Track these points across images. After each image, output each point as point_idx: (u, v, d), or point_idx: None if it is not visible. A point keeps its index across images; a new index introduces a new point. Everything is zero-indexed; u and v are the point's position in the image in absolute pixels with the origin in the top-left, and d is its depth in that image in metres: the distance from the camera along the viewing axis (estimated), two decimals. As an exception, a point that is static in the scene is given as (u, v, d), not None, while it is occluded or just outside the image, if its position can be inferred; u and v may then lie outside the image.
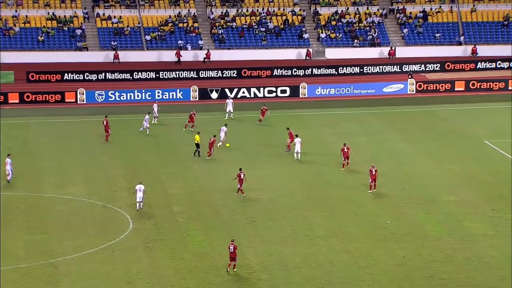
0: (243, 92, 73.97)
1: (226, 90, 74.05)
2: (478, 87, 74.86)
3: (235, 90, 74.03)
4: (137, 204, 45.64)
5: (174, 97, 73.26)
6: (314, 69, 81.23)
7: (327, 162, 54.49)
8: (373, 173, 48.31)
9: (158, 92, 73.26)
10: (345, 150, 52.52)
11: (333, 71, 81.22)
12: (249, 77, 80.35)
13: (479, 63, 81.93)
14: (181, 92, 73.68)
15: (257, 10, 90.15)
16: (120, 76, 79.05)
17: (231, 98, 69.09)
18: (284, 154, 56.64)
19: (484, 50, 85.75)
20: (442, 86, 75.40)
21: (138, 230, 43.31)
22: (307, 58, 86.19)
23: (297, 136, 54.85)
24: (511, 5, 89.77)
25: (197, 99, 72.97)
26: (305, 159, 55.34)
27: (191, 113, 62.99)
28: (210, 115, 67.72)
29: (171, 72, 79.67)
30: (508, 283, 36.98)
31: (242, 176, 48.05)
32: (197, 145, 55.34)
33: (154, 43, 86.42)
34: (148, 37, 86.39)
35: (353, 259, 39.71)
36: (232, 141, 59.01)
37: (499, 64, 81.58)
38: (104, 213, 45.71)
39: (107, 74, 78.87)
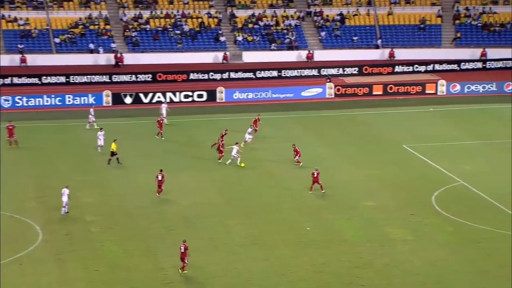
0: (158, 97, 73.50)
1: (141, 94, 73.52)
2: (396, 91, 76.31)
3: (150, 94, 73.54)
4: (63, 208, 45.54)
5: (86, 102, 72.29)
6: (231, 72, 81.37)
7: (245, 168, 54.64)
8: (315, 175, 49.13)
9: (69, 97, 72.19)
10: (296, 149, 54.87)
11: (250, 75, 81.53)
12: (165, 81, 79.95)
13: (397, 67, 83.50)
14: (93, 97, 72.77)
15: (172, 13, 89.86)
16: (28, 80, 77.55)
17: (166, 103, 68.27)
18: (203, 161, 56.55)
19: (401, 54, 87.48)
20: (360, 90, 76.58)
21: (48, 241, 42.56)
22: (224, 61, 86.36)
23: (236, 143, 55.00)
24: (427, 8, 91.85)
25: (110, 104, 72.21)
26: (223, 166, 55.37)
27: (159, 119, 61.86)
28: (125, 121, 67.08)
29: (82, 77, 78.64)
30: (428, 288, 37.81)
31: (160, 177, 48.36)
32: (113, 153, 54.76)
33: (64, 46, 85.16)
34: (57, 40, 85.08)
35: (273, 267, 39.93)
36: (150, 148, 58.53)
37: (416, 67, 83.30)
38: (11, 224, 44.75)
39: (14, 78, 77.28)
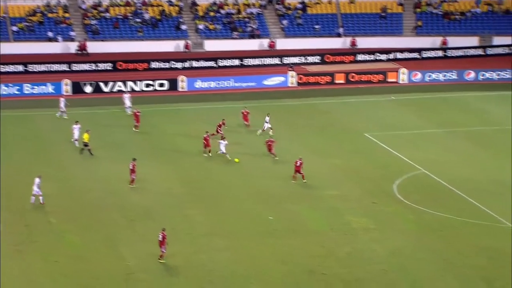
0: (119, 86, 73.05)
1: (101, 83, 72.98)
2: (357, 79, 76.65)
3: (111, 83, 73.03)
4: (32, 197, 45.52)
5: (45, 91, 71.60)
6: (193, 61, 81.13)
7: (207, 158, 54.55)
8: (298, 164, 49.29)
9: (27, 86, 71.43)
10: (269, 143, 54.68)
11: (212, 63, 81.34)
12: (125, 70, 79.45)
13: (359, 55, 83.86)
14: (52, 86, 72.09)
15: (132, 0, 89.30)
16: (-14, 69, 76.65)
17: (128, 92, 67.62)
18: (164, 151, 56.38)
19: (363, 42, 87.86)
20: (322, 78, 76.79)
21: (7, 233, 42.13)
22: (186, 50, 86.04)
23: (223, 138, 54.59)
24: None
25: (70, 93, 71.57)
26: (185, 155, 55.26)
27: (135, 111, 61.14)
28: (86, 110, 66.55)
29: (40, 65, 77.81)
30: (389, 276, 38.08)
31: (131, 166, 48.71)
32: (85, 144, 54.35)
33: (21, 35, 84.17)
34: (15, 28, 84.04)
35: (235, 257, 39.97)
36: (111, 137, 58.14)
37: (378, 56, 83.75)
38: (-30, 216, 44.25)
39: (-31, 67, 76.38)
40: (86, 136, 54.52)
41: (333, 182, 50.17)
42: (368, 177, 51.04)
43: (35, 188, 45.88)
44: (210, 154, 54.22)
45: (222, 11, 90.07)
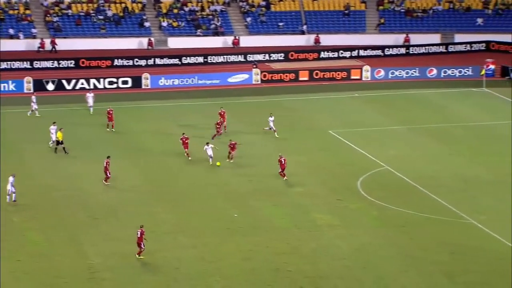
0: (82, 84, 72.68)
1: (64, 81, 72.55)
2: (321, 76, 77.01)
3: (73, 81, 72.63)
4: (7, 196, 45.45)
5: (7, 89, 70.98)
6: (156, 59, 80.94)
7: (171, 156, 54.50)
8: (283, 162, 49.08)
9: (-11, 84, 70.85)
10: (231, 145, 53.42)
11: (176, 61, 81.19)
12: (88, 67, 79.03)
13: (322, 53, 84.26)
14: (13, 84, 71.49)
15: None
16: None
17: (91, 91, 67.01)
18: (129, 149, 56.22)
19: (327, 39, 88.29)
20: (286, 76, 77.05)
21: (-30, 232, 41.79)
22: (149, 47, 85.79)
23: (207, 143, 52.98)
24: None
25: (32, 91, 70.98)
26: (150, 153, 55.16)
27: (109, 110, 60.48)
28: (48, 108, 66.07)
29: (2, 63, 77.09)
30: (354, 272, 38.41)
31: (105, 163, 48.70)
32: (60, 142, 53.98)
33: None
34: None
35: (200, 254, 40.05)
36: (74, 135, 57.82)
37: (341, 53, 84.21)
38: None
39: None
40: (59, 135, 54.29)
41: (298, 179, 50.41)
42: (332, 174, 51.36)
43: (9, 186, 45.63)
44: (189, 158, 52.83)
45: (186, 9, 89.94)
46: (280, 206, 46.51)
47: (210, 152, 52.20)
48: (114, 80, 73.99)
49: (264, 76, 76.63)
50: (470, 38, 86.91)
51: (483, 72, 74.06)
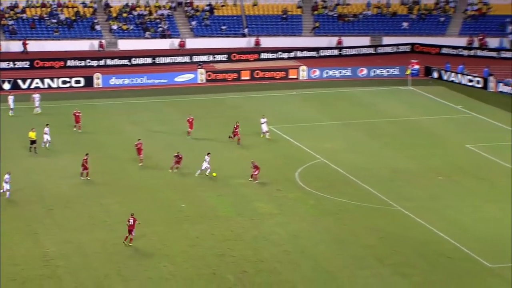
0: (37, 83, 71.76)
1: (19, 81, 71.52)
2: (262, 76, 77.22)
3: (28, 80, 71.64)
4: (7, 192, 44.89)
5: (-35, 88, 69.66)
6: (107, 59, 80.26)
7: (123, 150, 54.12)
8: (255, 164, 48.27)
9: None
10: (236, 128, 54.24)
11: (126, 61, 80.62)
12: (42, 68, 77.99)
13: (262, 54, 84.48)
14: (-29, 84, 70.28)
15: (48, 2, 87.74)
16: None
17: (37, 93, 65.71)
18: (82, 144, 55.66)
19: (266, 42, 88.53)
20: (229, 75, 77.08)
21: None
22: (100, 49, 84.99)
23: (208, 153, 49.67)
24: None
25: (-11, 90, 69.75)
26: (102, 147, 54.69)
27: (75, 112, 59.16)
28: (3, 106, 64.98)
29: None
30: (292, 256, 38.70)
31: (83, 160, 48.36)
32: (33, 141, 53.01)
33: None
34: None
35: (150, 242, 39.91)
36: (28, 132, 57.07)
37: (280, 54, 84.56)
38: None
39: None
40: (32, 134, 53.36)
41: (240, 171, 50.50)
42: (272, 166, 51.56)
43: (4, 184, 44.71)
44: (141, 164, 50.84)
45: (135, 13, 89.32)
46: (224, 196, 46.57)
47: (206, 163, 48.89)
48: (68, 79, 73.19)
49: (209, 75, 76.56)
50: (397, 40, 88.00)
51: (408, 71, 75.05)
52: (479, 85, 73.16)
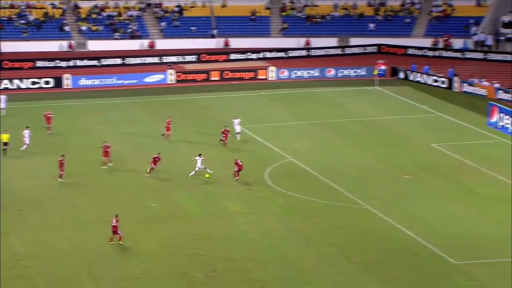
0: (6, 84, 71.14)
1: (-12, 81, 70.94)
2: (231, 76, 77.27)
3: (-3, 81, 71.10)
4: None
5: None
6: (77, 60, 79.80)
7: (93, 151, 53.80)
8: (239, 163, 48.06)
9: None
10: (225, 132, 53.99)
11: (95, 62, 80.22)
12: (12, 68, 77.30)
13: (231, 55, 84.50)
14: None
15: (16, 3, 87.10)
16: None
17: (3, 93, 65.14)
18: (52, 144, 55.28)
19: (235, 42, 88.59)
20: (199, 76, 77.03)
21: None
22: (70, 50, 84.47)
23: (200, 154, 49.04)
24: (257, 0, 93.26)
25: (-43, 91, 69.01)
26: (72, 148, 54.36)
27: (46, 113, 58.41)
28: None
29: None
30: (261, 255, 38.81)
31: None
32: (6, 144, 52.44)
33: None
34: None
35: (121, 242, 39.73)
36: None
37: (249, 55, 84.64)
38: None
39: None
40: (5, 136, 52.81)
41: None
42: (243, 165, 51.54)
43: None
44: (110, 165, 50.16)
45: (104, 14, 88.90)
46: (194, 195, 46.56)
47: (199, 164, 48.36)
48: (37, 80, 72.66)
49: (179, 76, 76.44)
50: (364, 41, 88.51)
51: (375, 72, 75.56)
52: (444, 85, 73.90)
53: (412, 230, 41.41)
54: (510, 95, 68.34)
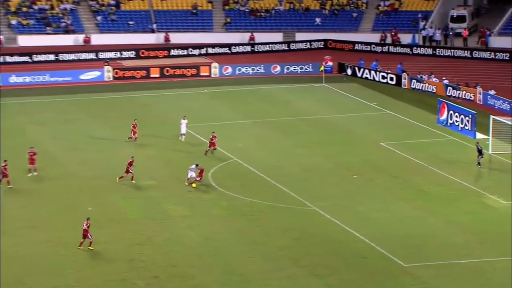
0: None
1: None
2: (172, 73, 77.12)
3: None
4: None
5: None
6: (6, 56, 78.64)
7: (24, 153, 53.08)
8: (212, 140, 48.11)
9: None
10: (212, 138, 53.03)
11: (27, 58, 79.20)
12: None
13: (172, 50, 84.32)
14: None
15: None
16: None
17: None
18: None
19: (176, 38, 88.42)
20: (138, 73, 76.67)
21: None
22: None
23: (197, 165, 48.22)
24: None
25: None
26: (3, 150, 53.57)
27: None
28: None
29: None
30: (205, 260, 38.88)
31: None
32: None
33: None
34: None
35: (55, 248, 39.44)
36: None
37: (191, 51, 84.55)
38: None
39: None
40: None
41: (150, 172, 50.36)
42: (184, 167, 51.45)
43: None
44: (35, 174, 49.14)
45: (35, 7, 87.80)
46: (133, 199, 46.37)
47: (192, 173, 47.59)
48: (-36, 78, 71.49)
49: (116, 73, 75.97)
50: (310, 36, 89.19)
51: (322, 68, 76.22)
52: (393, 82, 74.98)
53: (360, 232, 41.95)
54: (459, 91, 69.75)
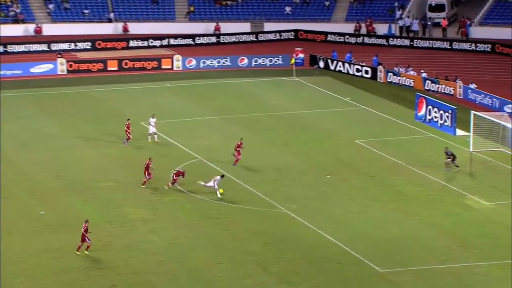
0: None
1: None
2: (131, 66, 76.79)
3: None
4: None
5: None
6: (-50, 48, 77.92)
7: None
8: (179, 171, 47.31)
9: None
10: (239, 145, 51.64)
11: (-27, 50, 78.52)
12: None
13: (131, 41, 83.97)
14: None
15: None
16: None
17: None
18: None
19: (136, 28, 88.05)
20: (94, 65, 76.26)
21: None
22: None
23: (222, 176, 47.42)
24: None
25: None
26: None
27: None
28: None
29: None
30: (168, 266, 38.80)
31: None
32: None
33: None
34: None
35: (4, 257, 39.07)
36: None
37: (151, 42, 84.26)
38: None
39: None
40: None
41: (107, 173, 50.12)
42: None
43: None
44: None
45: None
46: (90, 201, 46.10)
47: (213, 183, 46.62)
48: None
49: (70, 66, 75.50)
50: (279, 26, 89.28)
51: (292, 61, 76.32)
52: (368, 75, 75.32)
53: (335, 236, 42.09)
54: (438, 85, 70.25)
